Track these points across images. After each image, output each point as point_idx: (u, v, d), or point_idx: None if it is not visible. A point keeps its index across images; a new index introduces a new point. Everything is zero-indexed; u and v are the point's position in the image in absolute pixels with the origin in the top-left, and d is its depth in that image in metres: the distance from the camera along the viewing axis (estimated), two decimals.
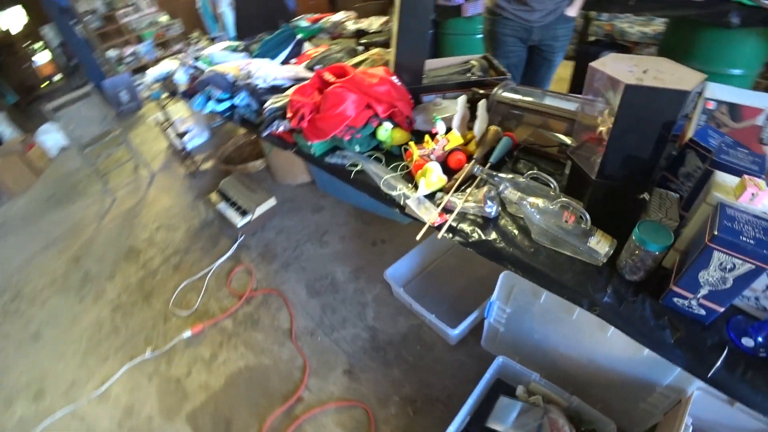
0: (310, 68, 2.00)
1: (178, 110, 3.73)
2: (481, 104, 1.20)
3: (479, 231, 1.00)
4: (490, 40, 1.81)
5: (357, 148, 1.31)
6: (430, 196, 1.11)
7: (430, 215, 1.04)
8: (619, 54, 0.93)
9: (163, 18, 6.16)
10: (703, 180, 0.90)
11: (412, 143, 1.22)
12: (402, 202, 1.10)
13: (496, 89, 1.33)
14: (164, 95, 2.78)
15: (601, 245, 0.90)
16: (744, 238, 0.69)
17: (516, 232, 1.00)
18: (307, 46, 2.43)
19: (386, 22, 4.11)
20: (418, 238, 0.99)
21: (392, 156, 1.32)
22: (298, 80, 1.78)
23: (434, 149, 1.18)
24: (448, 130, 1.24)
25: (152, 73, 2.56)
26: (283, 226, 2.36)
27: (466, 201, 1.05)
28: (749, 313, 0.84)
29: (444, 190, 1.12)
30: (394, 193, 1.13)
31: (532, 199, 0.95)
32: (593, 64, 0.89)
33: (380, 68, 1.44)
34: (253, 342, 1.74)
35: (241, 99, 1.78)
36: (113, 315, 2.06)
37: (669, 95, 0.79)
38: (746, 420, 0.96)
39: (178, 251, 2.39)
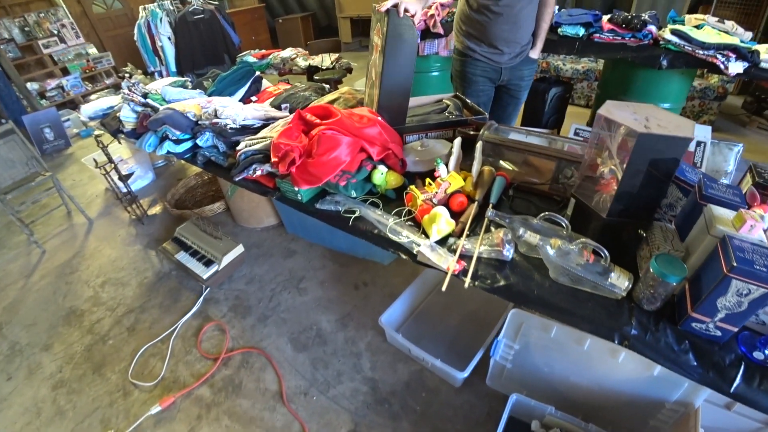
0: (276, 107, 1.93)
1: (116, 149, 3.43)
2: (479, 146, 1.22)
3: (498, 275, 0.99)
4: (461, 80, 1.89)
5: (353, 194, 1.26)
6: (442, 242, 1.09)
7: (447, 262, 1.01)
8: (617, 102, 0.99)
9: (92, 50, 5.74)
10: (693, 212, 0.97)
11: (414, 188, 1.20)
12: (414, 251, 1.06)
13: (483, 130, 1.36)
14: (98, 133, 2.54)
15: (620, 280, 0.93)
16: (758, 267, 0.76)
17: (533, 272, 1.00)
18: (265, 83, 2.37)
19: (338, 59, 4.17)
20: (444, 288, 0.96)
21: (387, 200, 1.29)
22: (268, 120, 1.71)
23: (436, 193, 1.17)
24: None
25: (89, 109, 2.33)
26: (253, 274, 2.20)
27: (481, 245, 1.04)
28: (753, 329, 0.91)
29: (454, 234, 1.10)
30: (403, 241, 1.09)
31: (552, 241, 0.96)
32: (601, 112, 0.94)
33: (364, 109, 1.43)
34: (238, 411, 1.55)
35: (205, 140, 1.66)
36: (55, 394, 1.75)
37: (675, 141, 0.85)
38: (744, 421, 1.07)
39: (131, 310, 2.12)
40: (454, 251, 1.05)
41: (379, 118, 1.35)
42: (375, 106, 1.47)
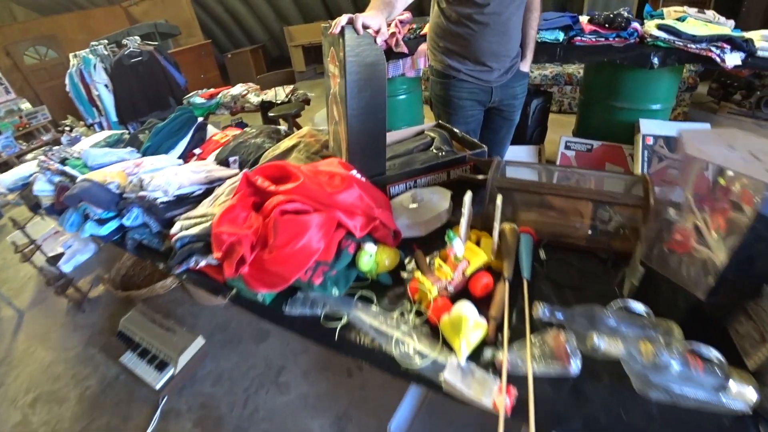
0: (223, 162, 1.57)
1: (50, 221, 2.94)
2: (499, 201, 0.91)
3: (562, 400, 0.67)
4: (445, 106, 1.59)
5: (335, 292, 0.91)
6: (474, 354, 0.76)
7: (490, 394, 0.68)
8: (696, 129, 0.71)
9: (25, 105, 5.19)
10: None
11: (420, 275, 0.87)
12: (439, 379, 0.72)
13: (492, 171, 1.06)
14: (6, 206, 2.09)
15: (744, 391, 0.62)
16: None
17: (609, 386, 0.68)
18: (211, 130, 2.00)
19: (293, 91, 3.85)
20: None
21: (381, 287, 0.95)
22: (213, 183, 1.35)
23: (453, 279, 0.85)
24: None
25: (6, 179, 1.89)
26: (220, 370, 1.78)
27: (532, 357, 0.71)
28: None
29: (488, 341, 0.77)
30: (419, 365, 0.75)
31: (642, 347, 0.65)
32: (692, 153, 0.65)
33: (333, 161, 1.10)
34: None
35: (133, 218, 1.28)
36: None
37: None
38: None
39: None
40: (491, 368, 0.72)
41: (355, 173, 1.02)
42: (345, 154, 1.14)
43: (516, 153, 2.43)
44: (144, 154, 1.76)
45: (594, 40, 2.01)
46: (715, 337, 0.68)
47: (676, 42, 1.90)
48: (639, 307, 0.76)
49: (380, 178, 1.17)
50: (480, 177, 1.10)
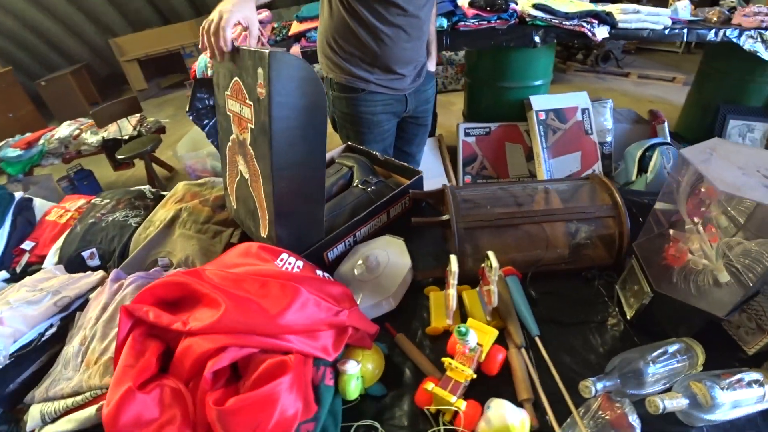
0: (71, 262, 1.07)
1: None
2: (492, 261, 0.71)
3: None
4: (355, 125, 1.33)
5: None
6: None
7: None
8: (696, 147, 0.59)
9: None
10: None
11: (437, 390, 0.63)
12: None
13: (451, 209, 0.86)
14: None
15: None
16: None
17: None
18: (41, 207, 1.42)
19: (141, 122, 3.16)
20: None
21: (375, 403, 0.69)
22: (68, 309, 0.89)
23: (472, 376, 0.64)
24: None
25: None
26: None
27: None
28: None
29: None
30: None
31: (698, 391, 0.53)
32: (720, 187, 0.52)
33: (248, 248, 0.77)
34: None
35: None
36: None
37: None
38: None
39: None
40: None
41: (287, 262, 0.72)
42: (265, 227, 0.83)
43: None
44: None
45: (477, 23, 1.95)
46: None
47: (553, 20, 1.94)
48: (673, 346, 0.65)
49: (318, 246, 0.88)
50: (442, 218, 0.89)
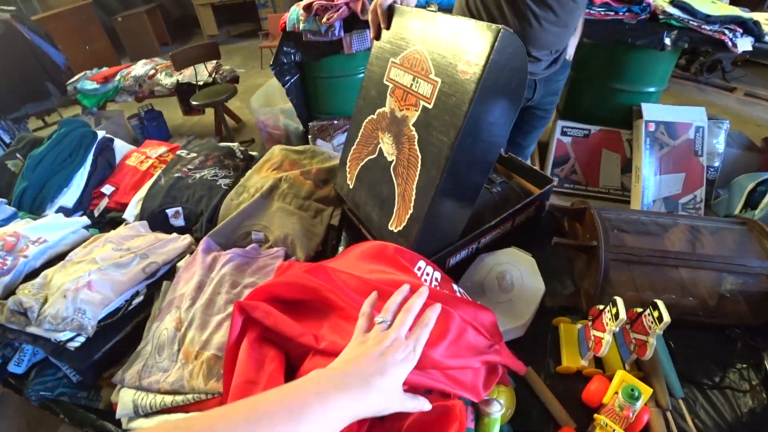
0: (154, 218, 1.02)
1: None
2: (662, 307, 0.59)
3: None
4: None
5: None
6: None
7: None
8: None
9: None
10: None
11: None
12: None
13: (600, 235, 0.73)
14: None
15: None
16: None
17: None
18: (121, 149, 1.35)
19: (217, 69, 3.13)
20: None
21: None
22: (155, 275, 0.81)
23: None
24: None
25: None
26: None
27: None
28: None
29: None
30: None
31: None
32: None
33: (388, 247, 0.65)
34: None
35: (26, 362, 0.75)
36: None
37: None
38: None
39: None
40: None
41: (434, 278, 0.62)
42: (399, 224, 0.72)
43: None
44: (19, 205, 1.14)
45: (603, 13, 1.72)
46: None
47: (690, 22, 1.69)
48: None
49: (448, 250, 0.78)
50: (591, 243, 0.77)
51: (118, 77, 3.10)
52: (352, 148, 0.87)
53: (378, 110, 0.79)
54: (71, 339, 0.66)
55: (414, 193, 0.68)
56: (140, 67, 3.15)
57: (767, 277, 0.75)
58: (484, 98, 0.60)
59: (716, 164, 2.12)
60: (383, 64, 0.79)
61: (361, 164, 0.84)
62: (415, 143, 0.69)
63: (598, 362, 0.71)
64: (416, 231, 0.68)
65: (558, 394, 0.67)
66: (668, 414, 0.64)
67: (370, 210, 0.80)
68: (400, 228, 0.71)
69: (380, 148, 0.77)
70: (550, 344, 0.75)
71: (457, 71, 0.61)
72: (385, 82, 0.78)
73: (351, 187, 0.88)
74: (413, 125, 0.69)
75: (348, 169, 0.89)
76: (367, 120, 0.82)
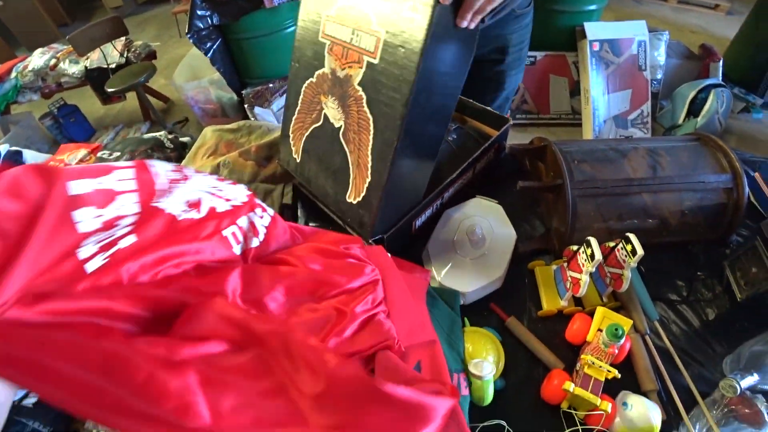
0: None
1: None
2: (635, 240, 0.57)
3: None
4: None
5: None
6: None
7: None
8: None
9: None
10: None
11: (583, 393, 0.54)
12: None
13: (564, 171, 0.70)
14: None
15: None
16: None
17: None
18: (32, 160, 1.18)
19: (127, 46, 2.79)
20: None
21: (503, 397, 0.59)
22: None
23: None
24: None
25: None
26: None
27: None
28: None
29: None
30: None
31: None
32: None
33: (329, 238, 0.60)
34: None
35: None
36: None
37: None
38: None
39: None
40: None
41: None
42: (358, 194, 0.66)
43: None
44: None
45: None
46: None
47: None
48: None
49: (412, 211, 0.72)
50: (555, 183, 0.73)
51: (14, 74, 2.71)
52: (294, 118, 0.78)
53: (317, 72, 0.70)
54: (25, 396, 0.58)
55: (370, 158, 0.62)
56: (37, 58, 2.75)
57: (723, 191, 0.75)
58: (436, 46, 0.53)
59: (659, 77, 2.15)
60: (315, 19, 0.69)
61: (306, 134, 0.75)
62: (364, 104, 0.62)
63: (577, 299, 0.71)
64: (377, 200, 0.62)
65: (542, 337, 0.67)
66: (647, 337, 0.65)
67: (323, 183, 0.73)
68: (359, 199, 0.65)
69: (324, 114, 0.70)
70: (528, 289, 0.74)
71: (402, 18, 0.54)
72: (321, 39, 0.69)
73: (298, 160, 0.79)
74: (359, 84, 0.62)
75: (292, 142, 0.80)
76: (306, 85, 0.73)
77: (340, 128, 0.67)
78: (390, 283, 0.53)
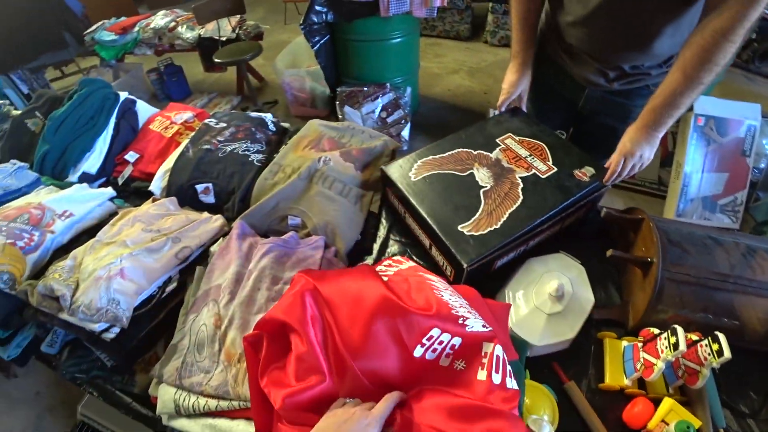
0: (183, 192, 0.98)
1: None
2: (723, 341, 0.55)
3: None
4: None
5: None
6: None
7: None
8: None
9: None
10: None
11: None
12: None
13: (658, 251, 0.69)
14: None
15: None
16: None
17: None
18: (144, 111, 1.28)
19: (240, 24, 3.00)
20: None
21: None
22: (187, 261, 0.78)
23: None
24: None
25: None
26: None
27: None
28: None
29: None
30: None
31: None
32: None
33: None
34: None
35: (59, 343, 0.76)
36: None
37: None
38: None
39: None
40: None
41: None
42: (484, 233, 0.70)
43: None
44: (41, 169, 1.10)
45: None
46: None
47: None
48: None
49: (492, 256, 0.74)
50: (647, 259, 0.72)
51: (136, 28, 3.00)
52: (433, 156, 0.91)
53: (479, 151, 0.91)
54: (106, 330, 0.65)
55: (506, 216, 0.77)
56: (160, 19, 3.03)
57: None
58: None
59: (762, 165, 2.01)
60: (497, 132, 0.95)
61: (438, 171, 0.87)
62: (519, 189, 0.81)
63: (641, 382, 0.69)
64: (496, 242, 0.73)
65: (597, 409, 0.66)
66: None
67: (438, 206, 0.80)
68: (475, 233, 0.74)
69: (471, 173, 0.86)
70: (593, 357, 0.73)
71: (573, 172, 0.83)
72: (497, 141, 0.93)
73: (413, 180, 0.86)
74: (521, 178, 0.83)
75: (415, 166, 0.89)
76: (462, 149, 0.92)
77: (483, 187, 0.82)
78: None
